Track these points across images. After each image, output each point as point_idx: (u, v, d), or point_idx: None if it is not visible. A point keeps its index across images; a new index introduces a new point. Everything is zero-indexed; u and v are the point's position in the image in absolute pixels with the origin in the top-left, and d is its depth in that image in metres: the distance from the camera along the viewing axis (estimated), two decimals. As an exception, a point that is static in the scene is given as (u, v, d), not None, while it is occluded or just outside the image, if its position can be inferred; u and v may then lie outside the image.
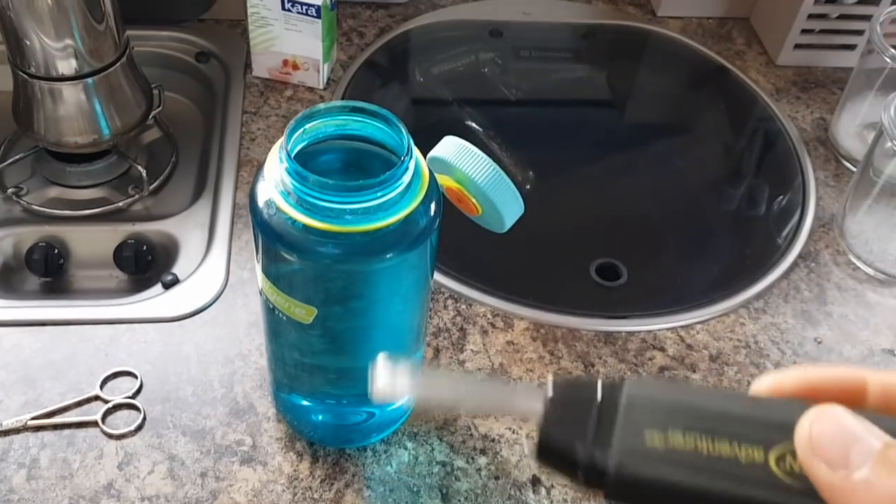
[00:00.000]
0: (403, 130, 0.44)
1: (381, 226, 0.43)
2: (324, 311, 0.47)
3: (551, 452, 0.27)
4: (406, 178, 0.43)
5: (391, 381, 0.28)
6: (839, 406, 0.25)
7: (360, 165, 0.49)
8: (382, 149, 0.47)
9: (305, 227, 0.42)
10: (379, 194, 0.42)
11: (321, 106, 0.45)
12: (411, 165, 0.44)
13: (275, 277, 0.46)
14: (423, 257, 0.48)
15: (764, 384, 0.27)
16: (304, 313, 0.47)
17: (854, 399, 0.27)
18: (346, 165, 0.50)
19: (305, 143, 0.46)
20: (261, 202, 0.44)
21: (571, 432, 0.26)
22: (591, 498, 0.57)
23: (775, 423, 0.24)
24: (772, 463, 0.24)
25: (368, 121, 0.46)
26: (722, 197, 0.86)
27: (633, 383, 0.26)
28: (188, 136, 0.83)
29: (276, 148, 0.44)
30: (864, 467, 0.23)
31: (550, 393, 0.27)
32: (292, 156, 0.44)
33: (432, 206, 0.46)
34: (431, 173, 0.47)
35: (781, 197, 0.82)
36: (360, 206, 0.42)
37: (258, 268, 0.48)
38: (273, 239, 0.44)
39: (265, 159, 0.45)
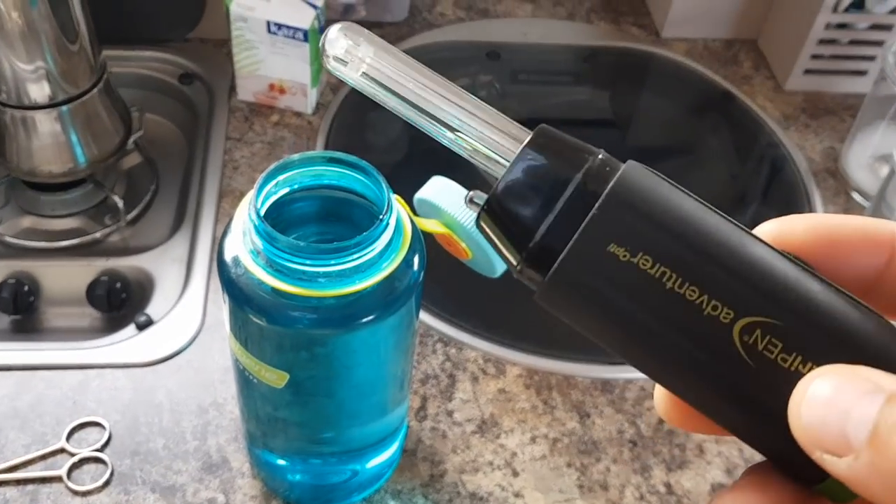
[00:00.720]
0: (383, 183, 0.41)
1: (358, 289, 0.39)
2: (296, 375, 0.43)
3: (504, 213, 0.22)
4: (385, 238, 0.40)
5: (347, 49, 0.23)
6: (833, 368, 0.19)
7: (338, 214, 0.46)
8: (362, 198, 0.43)
9: (275, 291, 0.39)
10: (356, 256, 0.39)
11: (296, 156, 0.42)
12: (391, 222, 0.40)
13: (244, 339, 0.43)
14: (405, 316, 0.44)
15: (766, 231, 0.21)
16: (275, 378, 0.43)
17: (877, 259, 0.21)
18: (324, 213, 0.46)
19: (280, 192, 0.42)
20: (228, 258, 0.41)
21: (535, 200, 0.21)
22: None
23: (763, 289, 0.20)
24: (736, 330, 0.20)
25: (347, 171, 0.42)
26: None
27: (630, 175, 0.21)
28: (170, 161, 0.79)
29: (245, 201, 0.41)
30: (865, 443, 0.17)
31: (527, 142, 0.22)
32: (263, 211, 0.40)
33: (415, 261, 0.43)
34: (414, 226, 0.44)
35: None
36: (335, 268, 0.39)
37: (227, 325, 0.44)
38: (240, 301, 0.40)
39: (234, 214, 0.42)
